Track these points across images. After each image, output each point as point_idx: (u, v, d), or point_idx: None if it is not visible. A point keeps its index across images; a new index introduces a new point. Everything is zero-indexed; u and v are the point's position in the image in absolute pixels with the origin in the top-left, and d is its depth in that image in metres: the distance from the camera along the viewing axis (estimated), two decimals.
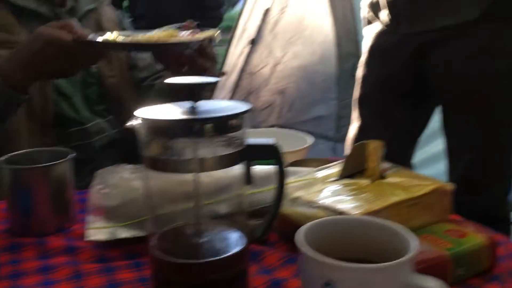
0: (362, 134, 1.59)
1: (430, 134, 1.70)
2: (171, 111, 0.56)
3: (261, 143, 0.58)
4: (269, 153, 0.59)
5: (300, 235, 0.47)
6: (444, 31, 1.30)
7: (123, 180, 0.75)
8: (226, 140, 0.56)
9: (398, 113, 1.50)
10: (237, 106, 0.57)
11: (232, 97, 3.44)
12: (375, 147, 0.69)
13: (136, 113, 0.55)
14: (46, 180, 0.78)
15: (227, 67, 3.44)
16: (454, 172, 1.41)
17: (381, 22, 1.43)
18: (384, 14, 1.40)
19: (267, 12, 3.11)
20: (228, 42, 3.37)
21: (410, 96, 1.45)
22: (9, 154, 0.80)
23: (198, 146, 0.55)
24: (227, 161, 0.56)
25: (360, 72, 1.55)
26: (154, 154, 0.55)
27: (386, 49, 1.43)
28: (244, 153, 0.57)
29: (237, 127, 0.56)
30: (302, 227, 0.48)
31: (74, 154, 0.80)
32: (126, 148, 1.15)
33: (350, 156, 0.70)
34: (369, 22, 1.51)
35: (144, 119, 0.54)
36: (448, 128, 1.41)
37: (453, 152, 1.40)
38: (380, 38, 1.45)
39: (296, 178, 0.72)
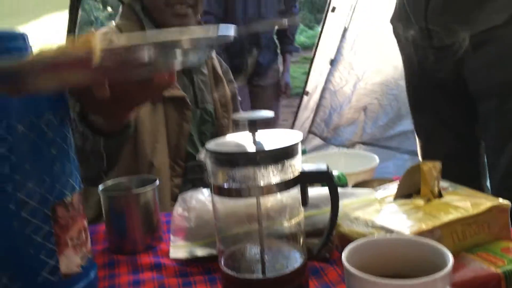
0: (428, 145, 1.61)
1: None
2: (234, 144, 0.64)
3: (315, 170, 0.64)
4: (322, 179, 0.64)
5: (345, 253, 0.52)
6: (475, 38, 1.30)
7: (199, 203, 0.85)
8: (282, 167, 0.63)
9: (456, 115, 1.51)
10: (291, 137, 0.64)
11: (315, 116, 3.49)
12: (430, 168, 0.72)
13: (206, 145, 0.64)
14: (136, 205, 0.89)
15: (309, 86, 3.50)
16: (496, 169, 1.39)
17: (413, 38, 1.44)
18: (415, 31, 1.41)
19: (345, 31, 3.15)
20: (310, 62, 3.44)
21: (463, 98, 1.45)
22: (105, 183, 0.93)
23: (257, 174, 0.62)
24: (283, 187, 0.63)
25: (407, 86, 1.58)
26: (219, 182, 0.63)
27: (423, 63, 1.45)
28: (299, 178, 0.64)
29: (291, 156, 0.63)
30: (348, 246, 0.53)
31: (157, 181, 0.90)
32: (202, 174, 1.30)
33: (404, 178, 0.74)
34: (400, 38, 1.53)
35: (209, 152, 0.63)
36: (489, 125, 1.39)
37: (494, 150, 1.39)
38: (415, 53, 1.46)
39: (356, 199, 0.77)
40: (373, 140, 3.27)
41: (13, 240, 0.63)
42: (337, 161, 1.14)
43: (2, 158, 0.63)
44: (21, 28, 1.09)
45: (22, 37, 0.66)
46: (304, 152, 1.07)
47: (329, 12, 3.21)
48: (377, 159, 1.05)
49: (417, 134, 1.64)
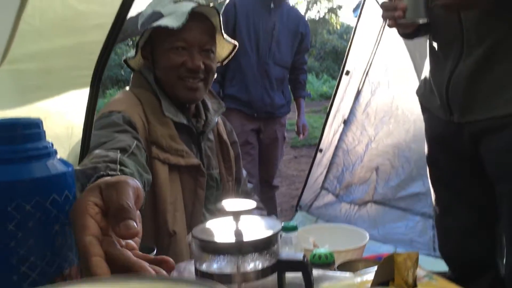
0: (446, 217, 1.62)
1: None
2: (218, 232, 0.70)
3: (291, 259, 0.69)
4: (298, 267, 0.69)
5: None
6: (494, 121, 1.35)
7: (192, 275, 0.90)
8: (261, 256, 0.69)
9: (476, 191, 1.53)
10: (271, 226, 0.70)
11: (328, 173, 3.54)
12: (404, 258, 0.76)
13: (192, 231, 0.70)
14: None
15: (323, 144, 3.57)
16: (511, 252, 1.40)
17: (435, 111, 1.50)
18: (438, 105, 1.47)
19: (358, 93, 3.24)
20: (324, 122, 3.53)
21: (482, 175, 1.48)
22: None
23: (238, 262, 0.67)
24: (262, 273, 0.68)
25: (427, 157, 1.62)
26: (202, 266, 0.69)
27: (444, 136, 1.50)
28: (276, 266, 0.69)
29: (270, 245, 0.69)
30: None
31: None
32: None
33: (381, 266, 0.78)
34: (425, 109, 1.58)
35: (195, 238, 0.69)
36: (505, 207, 1.41)
37: (509, 232, 1.40)
38: (437, 126, 1.52)
39: (335, 283, 0.81)
40: (384, 200, 3.29)
41: None
42: (327, 236, 1.18)
43: (10, 234, 0.70)
44: (50, 101, 1.19)
45: (37, 125, 0.75)
46: (295, 228, 1.13)
47: (343, 75, 3.32)
48: (367, 237, 1.09)
49: (436, 205, 1.67)
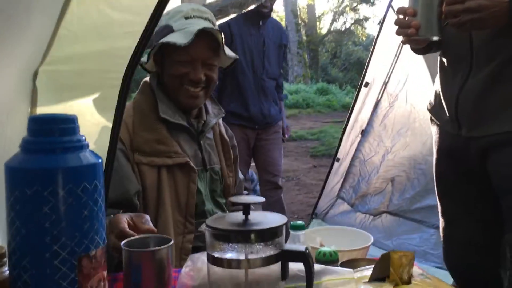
0: (451, 229, 1.66)
1: None
2: (229, 222, 0.78)
3: (294, 249, 0.77)
4: (299, 258, 0.77)
5: None
6: (501, 136, 1.38)
7: (205, 265, 0.98)
8: (267, 245, 0.76)
9: (482, 204, 1.55)
10: (276, 219, 0.77)
11: (344, 182, 3.58)
12: (400, 256, 0.83)
13: (206, 221, 0.78)
14: (152, 260, 1.02)
15: (340, 153, 3.62)
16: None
17: (444, 124, 1.54)
18: (447, 119, 1.51)
19: (377, 104, 3.29)
20: (342, 132, 3.58)
21: (488, 188, 1.50)
22: (127, 239, 1.07)
23: (247, 249, 0.75)
24: (267, 261, 0.76)
25: (435, 170, 1.65)
26: (214, 253, 0.77)
27: (452, 150, 1.53)
28: (280, 256, 0.76)
29: (276, 236, 0.76)
30: None
31: (172, 242, 1.04)
32: None
33: (379, 263, 0.85)
34: (434, 122, 1.63)
35: (208, 226, 0.77)
36: (507, 226, 1.44)
37: (509, 251, 1.43)
38: (445, 139, 1.56)
39: (336, 277, 0.88)
40: (399, 211, 3.32)
41: (44, 284, 0.78)
42: (334, 237, 1.25)
43: (45, 215, 0.79)
44: (83, 100, 1.30)
45: (73, 120, 0.84)
46: (302, 227, 1.20)
47: (362, 87, 3.38)
48: (371, 239, 1.16)
49: (441, 216, 1.70)
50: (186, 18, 1.45)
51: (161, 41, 1.43)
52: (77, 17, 1.11)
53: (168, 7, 1.52)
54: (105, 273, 0.86)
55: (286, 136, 3.71)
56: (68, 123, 0.83)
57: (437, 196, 1.70)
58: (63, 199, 0.79)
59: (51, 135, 0.81)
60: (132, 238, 1.08)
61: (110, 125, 1.18)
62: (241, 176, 1.70)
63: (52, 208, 0.79)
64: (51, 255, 0.79)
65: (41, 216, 0.79)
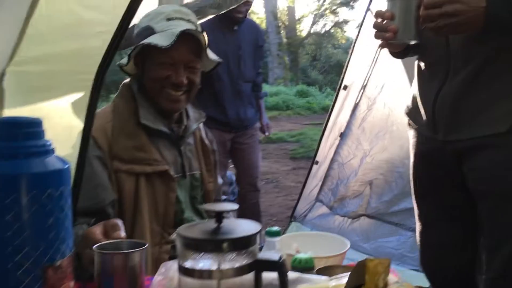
0: (427, 232, 1.66)
1: None
2: (201, 231, 0.75)
3: (268, 259, 0.74)
4: (274, 267, 0.74)
5: None
6: (478, 140, 1.39)
7: (177, 274, 0.95)
8: (240, 254, 0.74)
9: (458, 208, 1.57)
10: (250, 228, 0.75)
11: (323, 185, 3.58)
12: (375, 264, 0.81)
13: (177, 230, 0.75)
14: (124, 264, 0.97)
15: (319, 156, 3.62)
16: (490, 268, 1.44)
17: (421, 128, 1.55)
18: (424, 122, 1.51)
19: (355, 107, 3.29)
20: (321, 135, 3.58)
21: (464, 191, 1.51)
22: (100, 243, 1.03)
23: (219, 259, 0.72)
24: (240, 271, 0.73)
25: (412, 174, 1.66)
26: (185, 263, 0.74)
27: (428, 154, 1.54)
28: (254, 265, 0.74)
29: (250, 245, 0.74)
30: None
31: (146, 245, 1.00)
32: None
33: (354, 270, 0.83)
34: (411, 126, 1.63)
35: (179, 235, 0.74)
36: (486, 224, 1.46)
37: (489, 248, 1.44)
38: (422, 143, 1.56)
39: (311, 285, 0.86)
40: (377, 214, 3.32)
41: None
42: (311, 243, 1.23)
43: (7, 224, 0.75)
44: (52, 103, 1.25)
45: (38, 124, 0.80)
46: (278, 233, 1.18)
47: (341, 90, 3.38)
48: (348, 244, 1.14)
49: (418, 219, 1.70)
50: (168, 19, 1.42)
51: (142, 42, 1.39)
52: (46, 16, 1.07)
53: (147, 9, 1.49)
54: (72, 283, 0.83)
55: (267, 133, 3.71)
56: (32, 127, 0.79)
57: (413, 200, 1.70)
58: (26, 206, 0.76)
59: (14, 139, 0.77)
60: (105, 242, 1.04)
61: (80, 128, 1.14)
62: (220, 180, 1.67)
63: (15, 216, 0.75)
64: (14, 266, 0.75)
65: (3, 225, 0.75)
